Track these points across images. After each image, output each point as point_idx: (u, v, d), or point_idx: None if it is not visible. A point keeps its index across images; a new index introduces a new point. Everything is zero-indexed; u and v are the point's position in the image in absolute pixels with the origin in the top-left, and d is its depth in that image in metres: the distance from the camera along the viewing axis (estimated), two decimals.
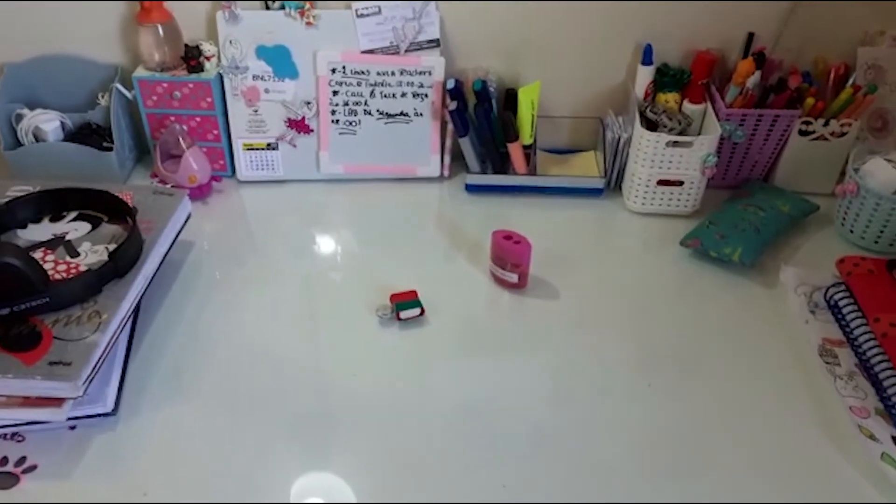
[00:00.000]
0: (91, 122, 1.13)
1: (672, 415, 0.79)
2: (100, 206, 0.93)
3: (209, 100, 1.09)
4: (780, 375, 0.84)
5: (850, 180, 1.01)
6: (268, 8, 1.07)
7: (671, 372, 0.85)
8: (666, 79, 1.11)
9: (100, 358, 0.75)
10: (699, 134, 1.10)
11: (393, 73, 1.11)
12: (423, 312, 0.90)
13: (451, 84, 1.08)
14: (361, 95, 1.12)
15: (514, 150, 1.11)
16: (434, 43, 1.10)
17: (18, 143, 1.09)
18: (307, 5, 1.06)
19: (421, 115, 1.14)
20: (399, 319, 0.89)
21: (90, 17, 1.09)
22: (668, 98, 1.11)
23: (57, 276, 0.82)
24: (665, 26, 1.10)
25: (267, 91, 1.10)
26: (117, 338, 0.79)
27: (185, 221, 0.98)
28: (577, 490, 0.71)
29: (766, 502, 0.71)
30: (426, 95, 1.12)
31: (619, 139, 1.11)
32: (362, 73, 1.10)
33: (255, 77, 1.10)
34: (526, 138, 1.11)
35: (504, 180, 1.14)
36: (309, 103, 1.12)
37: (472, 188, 1.15)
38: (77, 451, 0.74)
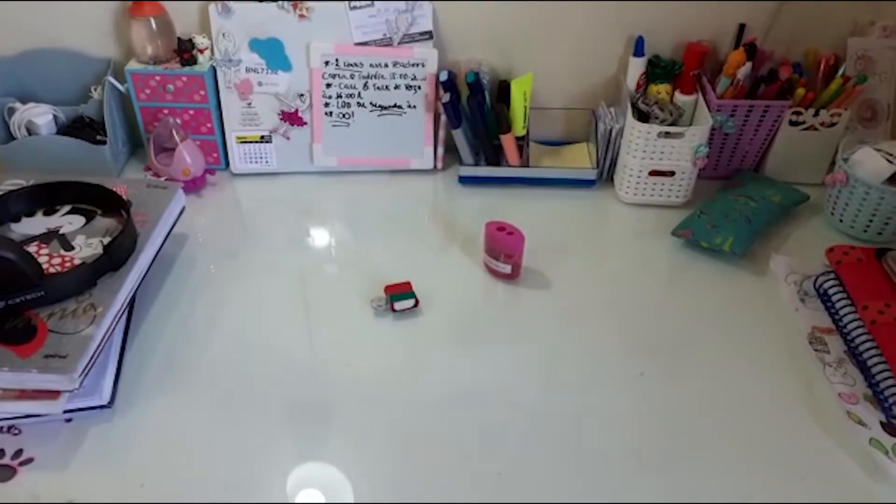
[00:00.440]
0: (84, 116, 1.12)
1: (664, 403, 0.80)
2: (94, 199, 0.93)
3: (202, 93, 1.09)
4: (771, 363, 0.85)
5: (840, 170, 1.02)
6: (261, 0, 1.07)
7: (663, 361, 0.85)
8: (657, 70, 1.12)
9: (95, 351, 0.75)
10: (690, 125, 1.10)
11: (386, 66, 1.11)
12: (417, 304, 0.90)
13: (444, 76, 1.09)
14: (355, 88, 1.12)
15: (507, 142, 1.12)
16: (427, 35, 1.10)
17: (11, 137, 1.09)
18: None
19: (414, 107, 1.14)
20: (393, 311, 0.90)
21: (83, 10, 1.08)
22: (660, 89, 1.11)
23: (51, 270, 0.82)
24: (657, 18, 1.11)
25: (260, 84, 1.11)
26: (113, 330, 0.79)
27: (180, 214, 0.98)
28: (571, 477, 0.72)
29: (756, 488, 0.72)
30: (419, 87, 1.12)
31: (611, 130, 1.11)
32: (355, 65, 1.11)
33: (248, 70, 1.10)
34: (519, 130, 1.12)
35: (497, 172, 1.14)
36: (302, 96, 1.12)
37: (465, 180, 1.15)
38: (73, 444, 0.74)
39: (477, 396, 0.80)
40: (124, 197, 0.92)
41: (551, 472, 0.73)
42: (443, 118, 1.13)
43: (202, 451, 0.74)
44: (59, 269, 0.83)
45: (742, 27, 1.11)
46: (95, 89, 1.13)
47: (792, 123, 1.09)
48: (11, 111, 1.09)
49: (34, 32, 1.10)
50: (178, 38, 1.08)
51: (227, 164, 1.16)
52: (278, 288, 0.95)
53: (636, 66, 1.11)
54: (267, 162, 1.16)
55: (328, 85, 1.11)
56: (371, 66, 1.11)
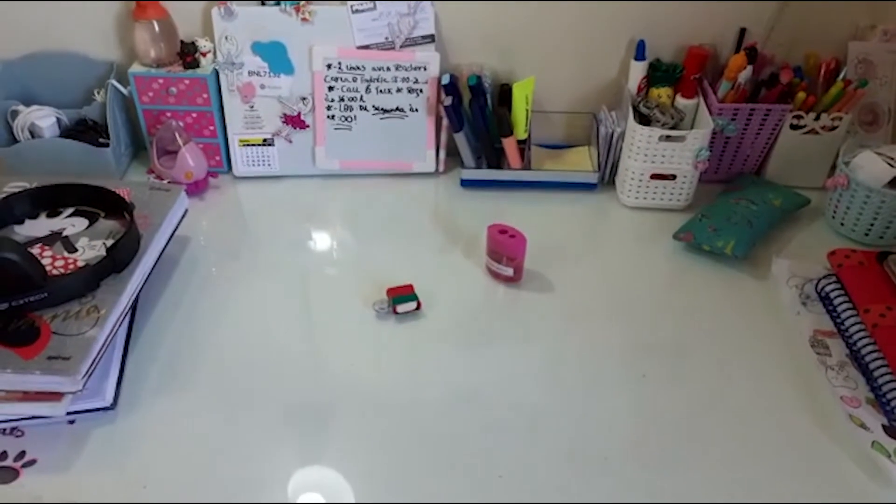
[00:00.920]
0: (87, 119, 1.13)
1: (665, 405, 0.80)
2: (97, 201, 0.93)
3: (205, 96, 1.10)
4: (772, 366, 0.85)
5: (841, 173, 1.02)
6: (263, 4, 1.07)
7: (664, 363, 0.86)
8: (659, 74, 1.12)
9: (98, 352, 0.75)
10: (692, 128, 1.10)
11: (388, 69, 1.11)
12: (419, 306, 0.90)
13: (446, 79, 1.09)
14: (357, 91, 1.12)
15: (509, 145, 1.12)
16: (429, 38, 1.10)
17: (14, 140, 1.09)
18: (302, 2, 1.06)
19: (416, 110, 1.14)
20: (395, 313, 0.90)
21: (86, 13, 1.09)
22: (661, 93, 1.12)
23: (55, 272, 0.82)
24: (658, 22, 1.11)
25: (263, 87, 1.11)
26: (116, 332, 0.79)
27: (182, 217, 0.98)
28: (572, 479, 0.72)
29: (758, 491, 0.72)
30: (421, 91, 1.13)
31: (612, 134, 1.11)
32: (358, 68, 1.11)
33: (250, 73, 1.10)
34: (520, 133, 1.12)
35: (499, 175, 1.14)
36: (304, 99, 1.12)
37: (467, 183, 1.15)
38: (76, 446, 0.74)
39: (479, 399, 0.81)
40: (127, 199, 0.92)
41: (552, 474, 0.73)
42: (445, 121, 1.13)
43: (204, 453, 0.74)
44: (62, 271, 0.83)
45: (743, 31, 1.12)
46: (98, 92, 1.13)
47: (793, 127, 1.10)
48: (15, 114, 1.09)
49: (38, 35, 1.10)
50: (181, 42, 1.08)
51: (230, 167, 1.17)
52: (280, 290, 0.95)
53: (637, 70, 1.12)
54: (269, 165, 1.16)
55: (330, 88, 1.12)
56: (373, 69, 1.11)
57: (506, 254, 0.94)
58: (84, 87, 1.14)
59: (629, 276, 0.99)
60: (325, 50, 1.09)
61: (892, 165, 0.99)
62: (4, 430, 0.75)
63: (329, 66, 1.10)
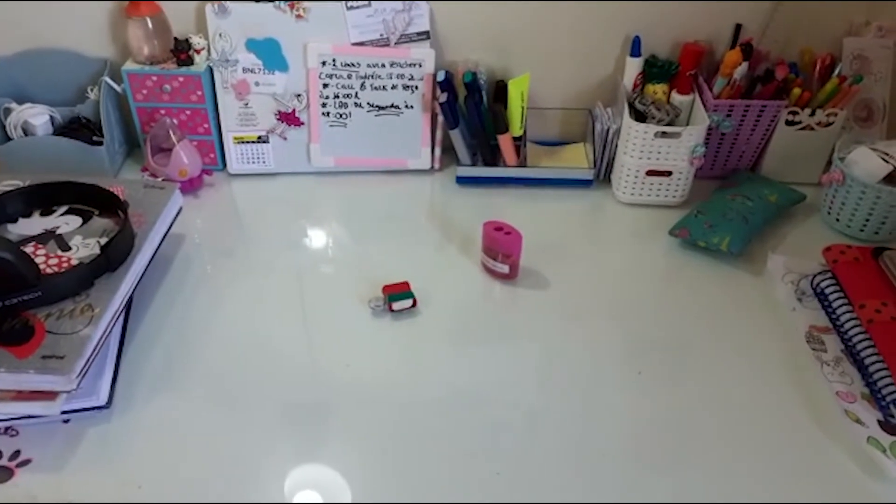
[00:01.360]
0: (80, 116, 1.12)
1: (661, 401, 0.80)
2: (91, 199, 0.93)
3: (199, 93, 1.09)
4: (768, 362, 0.85)
5: (836, 169, 1.02)
6: (258, 0, 1.07)
7: (660, 360, 0.86)
8: (654, 70, 1.12)
9: (93, 351, 0.75)
10: (687, 125, 1.11)
11: (383, 66, 1.11)
12: (415, 303, 0.90)
13: (441, 76, 1.09)
14: (352, 88, 1.12)
15: (505, 142, 1.12)
16: (424, 35, 1.10)
17: (7, 138, 1.09)
18: None
19: (411, 107, 1.14)
20: (391, 310, 0.90)
21: (79, 10, 1.08)
22: (657, 89, 1.12)
23: (48, 270, 0.82)
24: (653, 18, 1.11)
25: (257, 84, 1.10)
26: (110, 331, 0.79)
27: (177, 215, 0.98)
28: (569, 477, 0.72)
29: (754, 487, 0.72)
30: (416, 88, 1.13)
31: (608, 130, 1.11)
32: (352, 65, 1.11)
33: (245, 70, 1.09)
34: (516, 130, 1.12)
35: (494, 172, 1.14)
36: (299, 96, 1.12)
37: (462, 180, 1.15)
38: (71, 445, 0.74)
39: (475, 396, 0.80)
40: (121, 197, 0.92)
41: (549, 472, 0.73)
42: (440, 118, 1.13)
43: (200, 453, 0.74)
44: (56, 269, 0.83)
45: (738, 27, 1.12)
46: (92, 90, 1.13)
47: (788, 123, 1.10)
48: (7, 112, 1.09)
49: (30, 32, 1.10)
50: (175, 39, 1.07)
51: (224, 164, 1.16)
52: (276, 288, 0.95)
53: (633, 66, 1.11)
54: (264, 162, 1.16)
55: (325, 85, 1.11)
56: (368, 66, 1.11)
57: (501, 251, 0.94)
58: (77, 85, 1.14)
59: (625, 273, 0.99)
60: (320, 47, 1.09)
61: (886, 161, 0.99)
62: None
63: (324, 63, 1.10)
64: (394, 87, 1.12)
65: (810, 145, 1.11)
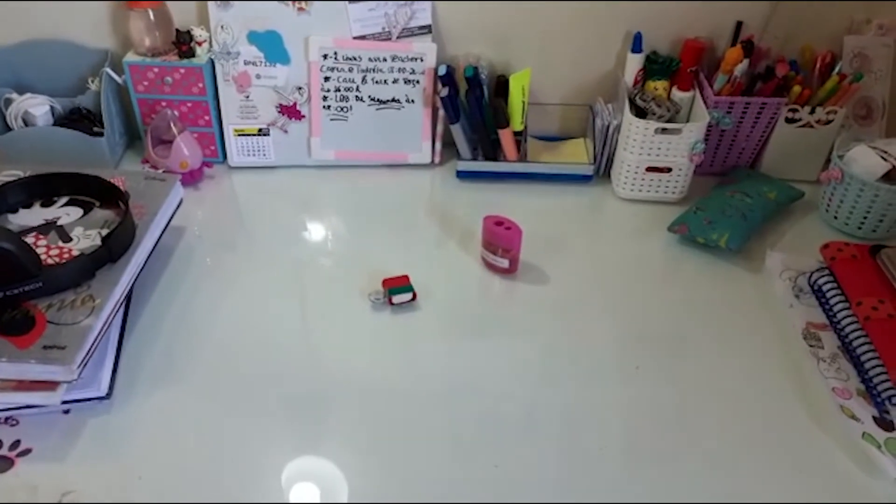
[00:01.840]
0: (81, 107, 1.12)
1: (659, 397, 0.81)
2: (91, 191, 0.93)
3: (200, 85, 1.09)
4: (765, 358, 0.86)
5: (835, 167, 1.03)
6: None
7: (658, 355, 0.86)
8: (655, 66, 1.12)
9: (94, 342, 0.75)
10: (687, 121, 1.11)
11: (384, 60, 1.11)
12: (415, 297, 0.91)
13: (442, 70, 1.09)
14: (353, 81, 1.12)
15: (505, 137, 1.12)
16: (426, 29, 1.10)
17: (7, 128, 1.09)
18: None
19: (412, 101, 1.14)
20: (391, 304, 0.90)
21: (80, 1, 1.08)
22: (657, 85, 1.12)
23: (49, 261, 0.82)
24: (655, 14, 1.11)
25: (258, 77, 1.10)
26: (111, 322, 0.79)
27: (177, 207, 0.98)
28: (567, 470, 0.73)
29: (750, 481, 0.72)
30: (418, 82, 1.13)
31: (608, 126, 1.11)
32: (354, 59, 1.11)
33: (246, 62, 1.09)
34: (517, 125, 1.12)
35: (495, 167, 1.14)
36: (300, 89, 1.12)
37: (463, 174, 1.15)
38: (71, 435, 0.74)
39: (474, 389, 0.81)
40: (122, 189, 0.92)
41: (547, 465, 0.73)
42: (441, 113, 1.13)
43: (200, 444, 0.74)
44: (57, 260, 0.83)
45: (739, 24, 1.12)
46: (93, 81, 1.13)
47: (788, 121, 1.10)
48: (8, 102, 1.09)
49: (31, 23, 1.10)
50: (177, 30, 1.07)
51: (225, 156, 1.16)
52: (276, 281, 0.95)
53: (634, 63, 1.12)
54: (264, 155, 1.16)
55: (326, 78, 1.11)
56: (369, 59, 1.11)
57: (501, 245, 0.94)
58: (78, 76, 1.14)
59: (624, 268, 0.99)
60: (322, 40, 1.09)
61: (885, 159, 0.99)
62: (0, 419, 0.75)
63: (325, 57, 1.10)
64: (395, 80, 1.12)
65: (810, 143, 1.12)
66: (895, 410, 0.78)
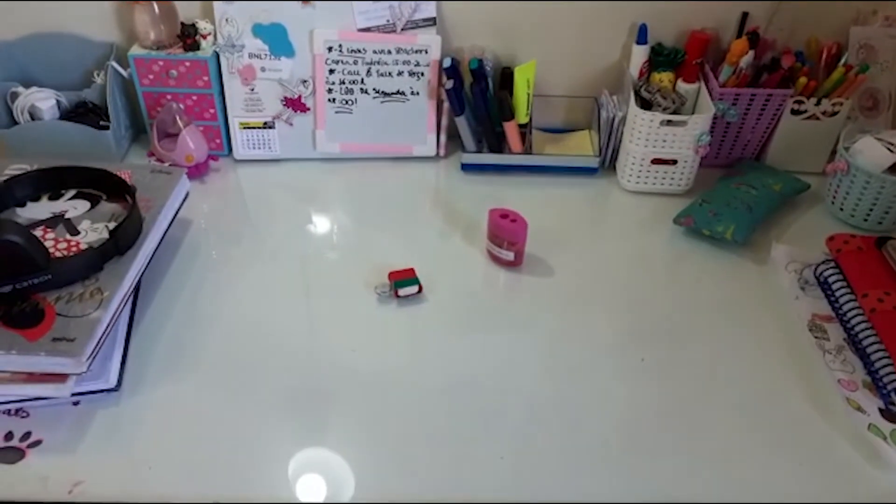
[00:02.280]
0: (87, 101, 1.12)
1: (664, 389, 0.81)
2: (98, 184, 0.93)
3: (205, 78, 1.09)
4: (771, 350, 0.86)
5: (841, 159, 1.03)
6: None
7: (664, 347, 0.86)
8: (660, 58, 1.12)
9: (102, 334, 0.76)
10: (693, 113, 1.11)
11: (389, 52, 1.11)
12: (420, 290, 0.91)
13: (447, 63, 1.09)
14: (358, 74, 1.12)
15: (510, 129, 1.12)
16: (430, 21, 1.10)
17: (14, 122, 1.09)
18: None
19: (417, 93, 1.14)
20: (397, 297, 0.90)
21: None
22: (663, 77, 1.12)
23: (57, 254, 0.83)
24: (660, 6, 1.11)
25: (263, 69, 1.10)
26: (119, 314, 0.80)
27: (184, 200, 0.98)
28: (572, 462, 0.73)
29: (756, 473, 0.73)
30: (422, 74, 1.12)
31: (613, 118, 1.11)
32: (359, 51, 1.10)
33: (251, 55, 1.09)
34: (521, 117, 1.12)
35: (500, 159, 1.14)
36: (305, 82, 1.12)
37: (468, 167, 1.15)
38: (81, 426, 0.75)
39: (479, 382, 0.81)
40: (129, 182, 0.92)
41: (552, 458, 0.74)
42: (446, 105, 1.13)
43: (208, 435, 0.75)
44: (65, 253, 0.83)
45: (745, 16, 1.11)
46: (98, 74, 1.13)
47: (793, 112, 1.10)
48: (14, 96, 1.09)
49: (37, 17, 1.10)
50: (182, 24, 1.07)
51: (230, 150, 1.17)
52: (282, 274, 0.95)
53: (639, 54, 1.11)
54: (270, 148, 1.16)
55: (331, 71, 1.11)
56: (374, 52, 1.11)
57: (507, 238, 0.94)
58: (84, 69, 1.14)
59: (629, 261, 1.00)
60: (326, 32, 1.09)
61: (891, 151, 0.99)
62: (10, 411, 0.76)
63: (330, 49, 1.10)
64: (400, 73, 1.12)
65: (815, 134, 1.11)
66: None
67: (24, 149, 1.07)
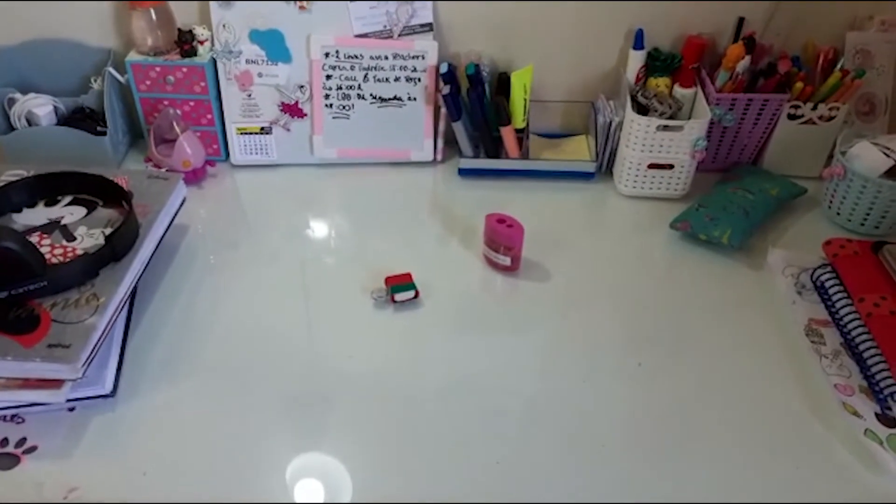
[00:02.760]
0: (84, 107, 1.12)
1: (661, 393, 0.81)
2: (95, 190, 0.93)
3: (203, 84, 1.10)
4: (768, 355, 0.86)
5: (838, 163, 1.03)
6: None
7: (660, 352, 0.86)
8: (657, 63, 1.12)
9: (98, 340, 0.75)
10: (689, 118, 1.11)
11: (386, 58, 1.11)
12: (417, 295, 0.91)
13: (444, 68, 1.09)
14: (355, 79, 1.12)
15: (507, 135, 1.12)
16: (427, 27, 1.10)
17: (11, 128, 1.09)
18: None
19: (414, 99, 1.14)
20: (394, 302, 0.90)
21: (82, 0, 1.08)
22: (659, 82, 1.12)
23: (54, 260, 0.83)
24: (656, 11, 1.11)
25: (260, 75, 1.11)
26: (115, 320, 0.80)
27: (181, 205, 0.98)
28: (569, 467, 0.73)
29: (752, 477, 0.72)
30: (419, 80, 1.13)
31: (610, 123, 1.11)
32: (356, 57, 1.11)
33: (248, 61, 1.10)
34: (518, 122, 1.12)
35: (497, 164, 1.14)
36: (302, 87, 1.12)
37: (465, 172, 1.15)
38: (76, 432, 0.75)
39: (476, 387, 0.81)
40: (125, 188, 0.92)
41: (549, 462, 0.73)
42: (443, 110, 1.13)
43: (204, 441, 0.75)
44: (61, 259, 0.83)
45: (741, 21, 1.11)
46: (96, 80, 1.13)
47: (790, 117, 1.10)
48: (12, 102, 1.09)
49: (34, 22, 1.10)
50: (179, 30, 1.08)
51: (228, 155, 1.17)
52: (279, 279, 0.95)
53: (636, 59, 1.12)
54: (267, 153, 1.16)
55: (328, 76, 1.12)
56: (371, 58, 1.11)
57: (503, 243, 0.94)
58: (81, 75, 1.14)
59: (626, 266, 1.00)
60: (323, 38, 1.09)
61: (888, 156, 0.99)
62: (5, 416, 0.76)
63: (327, 55, 1.10)
64: (397, 78, 1.13)
65: (812, 139, 1.12)
66: None
67: (22, 155, 1.07)
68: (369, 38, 1.10)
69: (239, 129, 1.14)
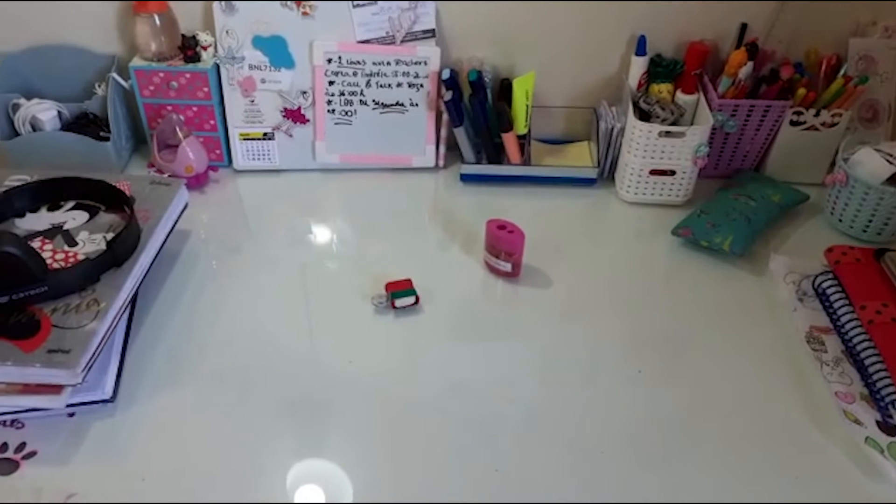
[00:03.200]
0: (88, 112, 1.13)
1: (661, 400, 0.81)
2: (97, 195, 0.94)
3: (206, 90, 1.10)
4: (769, 362, 0.86)
5: (840, 170, 1.02)
6: None
7: (661, 358, 0.86)
8: (659, 69, 1.12)
9: (98, 345, 0.76)
10: (691, 124, 1.11)
11: (389, 63, 1.11)
12: (417, 301, 0.91)
13: (446, 74, 1.09)
14: (357, 85, 1.12)
15: (509, 140, 1.12)
16: (430, 33, 1.11)
17: (15, 133, 1.10)
18: None
19: (416, 105, 1.14)
20: (394, 308, 0.90)
21: (87, 6, 1.09)
22: (662, 88, 1.12)
23: (55, 265, 0.83)
24: (659, 17, 1.11)
25: (263, 81, 1.11)
26: (115, 325, 0.80)
27: (183, 211, 0.98)
28: (569, 473, 0.73)
29: (752, 485, 0.72)
30: (421, 85, 1.13)
31: (612, 129, 1.11)
32: (358, 63, 1.11)
33: (251, 67, 1.10)
34: (520, 128, 1.12)
35: (498, 170, 1.15)
36: (305, 93, 1.12)
37: (466, 178, 1.15)
38: (76, 438, 0.75)
39: (476, 393, 0.81)
40: (128, 193, 0.92)
41: (549, 469, 0.73)
42: (445, 116, 1.13)
43: (203, 447, 0.75)
44: (62, 264, 0.83)
45: (744, 27, 1.11)
46: (99, 86, 1.13)
47: (793, 123, 1.10)
48: (16, 107, 1.09)
49: (39, 28, 1.11)
50: (182, 35, 1.08)
51: (230, 160, 1.17)
52: (280, 285, 0.96)
53: (638, 65, 1.12)
54: (269, 159, 1.16)
55: (331, 82, 1.12)
56: (374, 63, 1.11)
57: (504, 249, 0.94)
58: (85, 81, 1.14)
59: (627, 272, 0.99)
60: (326, 44, 1.09)
61: (890, 163, 0.99)
62: (5, 422, 0.76)
63: (329, 61, 1.11)
64: (399, 84, 1.13)
65: (815, 146, 1.11)
66: None
67: (26, 160, 1.07)
68: (372, 44, 1.10)
69: (242, 134, 1.14)
